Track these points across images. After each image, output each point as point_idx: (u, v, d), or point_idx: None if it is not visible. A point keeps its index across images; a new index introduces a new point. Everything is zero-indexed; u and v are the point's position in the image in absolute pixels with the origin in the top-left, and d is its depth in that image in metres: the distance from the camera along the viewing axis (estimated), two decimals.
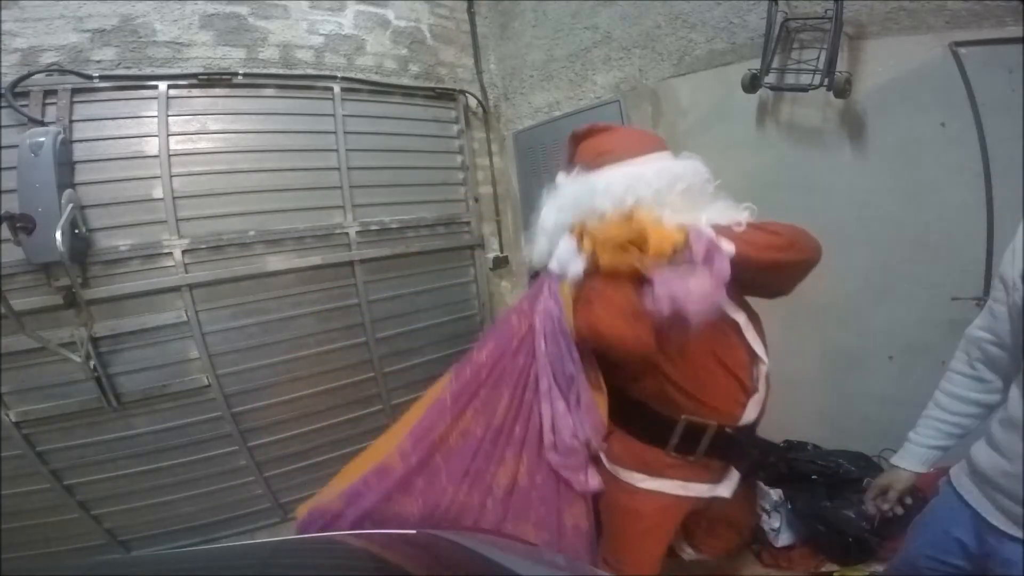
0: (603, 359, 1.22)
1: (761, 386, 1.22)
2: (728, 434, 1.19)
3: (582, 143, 1.32)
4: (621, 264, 1.08)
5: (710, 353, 1.17)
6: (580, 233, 1.17)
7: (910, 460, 1.06)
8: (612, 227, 1.12)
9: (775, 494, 1.79)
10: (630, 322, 1.06)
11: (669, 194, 1.13)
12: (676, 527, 1.32)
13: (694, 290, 1.01)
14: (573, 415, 1.24)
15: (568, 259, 1.18)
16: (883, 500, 1.08)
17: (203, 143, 2.11)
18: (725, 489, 1.27)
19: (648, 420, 1.23)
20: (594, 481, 1.28)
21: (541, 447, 1.28)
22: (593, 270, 1.13)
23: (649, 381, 1.20)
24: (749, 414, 1.21)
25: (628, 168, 1.17)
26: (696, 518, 1.37)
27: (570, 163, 1.33)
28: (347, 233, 2.41)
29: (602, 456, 1.29)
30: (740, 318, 1.22)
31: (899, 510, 1.08)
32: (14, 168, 1.69)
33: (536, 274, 1.52)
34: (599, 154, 1.23)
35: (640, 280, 1.07)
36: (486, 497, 1.31)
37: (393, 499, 1.33)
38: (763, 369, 1.22)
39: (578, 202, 1.19)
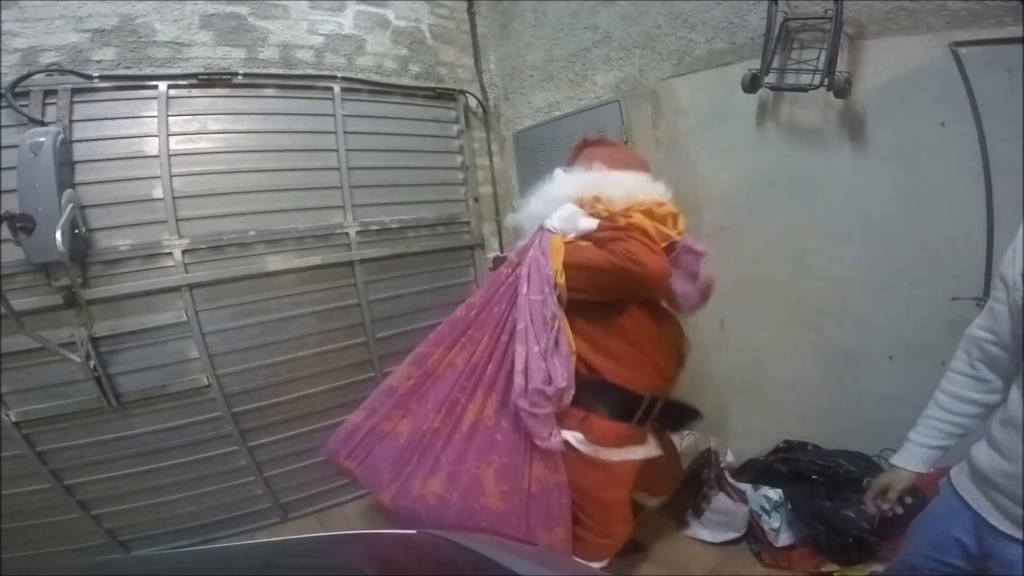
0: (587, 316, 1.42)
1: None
2: (669, 401, 1.51)
3: (594, 147, 1.59)
4: (652, 228, 1.38)
5: (668, 336, 1.50)
6: (592, 203, 1.44)
7: (910, 460, 1.05)
8: (645, 203, 1.43)
9: (775, 494, 1.79)
10: (657, 255, 1.33)
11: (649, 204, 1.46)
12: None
13: (704, 279, 1.42)
14: (548, 361, 1.34)
15: (574, 219, 1.42)
16: (883, 500, 1.08)
17: (203, 143, 2.10)
18: (656, 448, 1.55)
19: (620, 399, 1.40)
20: (557, 439, 1.36)
21: (510, 390, 1.38)
22: (608, 226, 1.40)
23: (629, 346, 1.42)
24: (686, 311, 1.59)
25: (634, 176, 1.48)
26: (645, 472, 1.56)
27: (574, 160, 1.60)
28: (347, 233, 2.41)
29: (574, 441, 1.39)
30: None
31: (899, 510, 1.08)
32: (14, 168, 1.69)
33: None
34: (614, 159, 1.53)
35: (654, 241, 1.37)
36: (454, 431, 1.49)
37: (392, 417, 1.60)
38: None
39: (590, 186, 1.46)
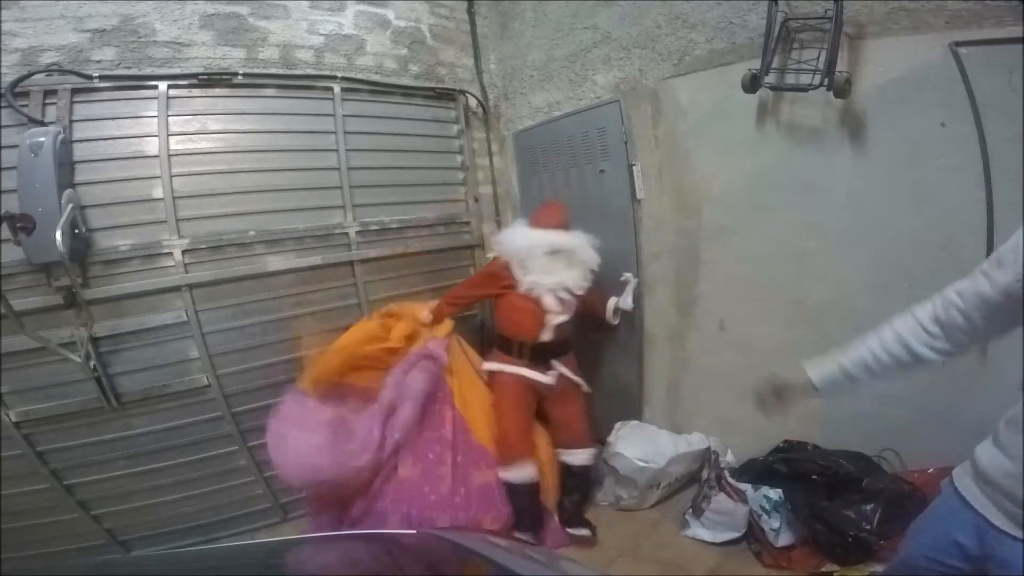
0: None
1: (550, 327, 2.15)
2: (537, 346, 2.17)
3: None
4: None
5: (529, 311, 2.15)
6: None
7: (814, 369, 1.08)
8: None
9: (775, 494, 1.79)
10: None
11: (534, 255, 2.14)
12: (529, 404, 2.21)
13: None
14: None
15: None
16: (769, 394, 1.12)
17: (203, 143, 2.11)
18: (550, 379, 2.18)
19: (506, 343, 2.22)
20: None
21: None
22: None
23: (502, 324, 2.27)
24: (545, 335, 2.16)
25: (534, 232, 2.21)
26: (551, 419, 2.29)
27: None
28: (347, 233, 2.41)
29: (486, 365, 2.27)
30: (548, 300, 2.14)
31: (773, 413, 1.13)
32: (14, 168, 1.69)
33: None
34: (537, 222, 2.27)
35: None
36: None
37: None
38: (552, 320, 2.15)
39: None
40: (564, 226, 2.23)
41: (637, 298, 2.38)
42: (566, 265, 2.15)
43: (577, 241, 2.19)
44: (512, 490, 2.07)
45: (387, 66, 2.59)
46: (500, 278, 2.22)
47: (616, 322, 2.37)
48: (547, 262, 2.13)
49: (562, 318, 2.17)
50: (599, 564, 1.90)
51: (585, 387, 2.32)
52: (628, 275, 2.36)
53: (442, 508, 1.99)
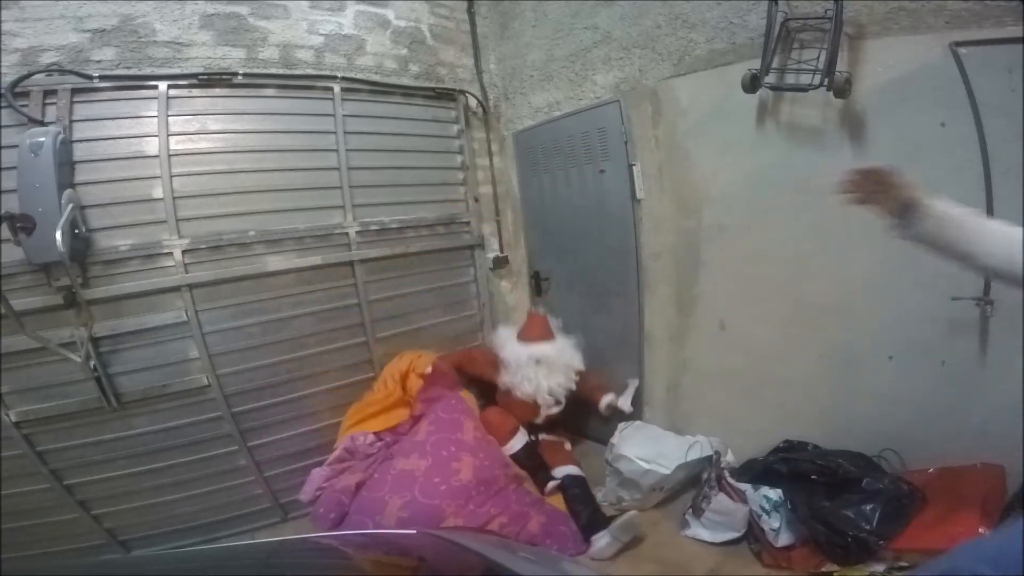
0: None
1: (543, 413, 2.44)
2: (532, 423, 2.46)
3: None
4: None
5: (528, 405, 2.43)
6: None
7: (934, 200, 1.11)
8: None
9: (775, 494, 1.79)
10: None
11: (519, 365, 2.45)
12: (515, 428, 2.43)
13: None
14: None
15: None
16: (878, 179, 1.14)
17: (203, 143, 2.11)
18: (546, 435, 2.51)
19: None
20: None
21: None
22: None
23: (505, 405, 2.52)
24: (542, 416, 2.45)
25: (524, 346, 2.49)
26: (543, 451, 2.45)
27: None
28: (347, 233, 2.42)
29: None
30: (540, 400, 2.42)
31: (864, 198, 1.20)
32: (14, 168, 1.69)
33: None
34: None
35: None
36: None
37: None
38: (544, 410, 2.44)
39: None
40: (548, 336, 2.50)
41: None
42: (547, 372, 2.42)
43: (558, 349, 2.47)
44: (515, 457, 2.32)
45: (387, 66, 2.59)
46: (495, 367, 2.52)
47: (608, 414, 2.45)
48: (531, 371, 2.41)
49: (555, 410, 2.45)
50: (599, 564, 1.90)
51: (567, 444, 2.55)
52: (630, 380, 2.53)
53: (452, 497, 1.98)
